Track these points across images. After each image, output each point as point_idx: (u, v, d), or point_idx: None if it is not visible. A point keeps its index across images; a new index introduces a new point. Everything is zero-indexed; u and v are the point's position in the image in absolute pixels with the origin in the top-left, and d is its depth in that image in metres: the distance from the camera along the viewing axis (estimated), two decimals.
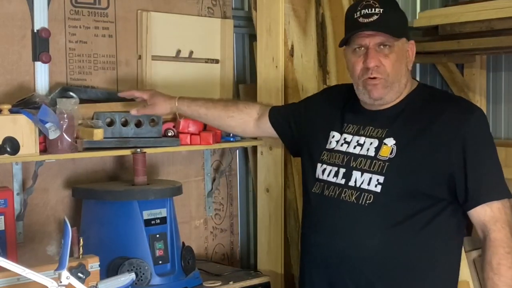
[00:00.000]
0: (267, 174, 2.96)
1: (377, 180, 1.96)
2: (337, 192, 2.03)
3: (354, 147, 2.04)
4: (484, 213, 1.90)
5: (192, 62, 2.94)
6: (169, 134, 2.66)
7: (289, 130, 2.37)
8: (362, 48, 2.00)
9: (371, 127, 2.05)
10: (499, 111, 3.81)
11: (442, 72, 3.81)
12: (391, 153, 1.97)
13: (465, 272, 2.82)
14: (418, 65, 3.87)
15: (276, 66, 2.90)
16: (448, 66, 3.70)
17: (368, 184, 1.96)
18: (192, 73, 2.95)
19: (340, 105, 2.19)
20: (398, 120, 2.02)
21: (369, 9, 1.98)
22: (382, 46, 1.97)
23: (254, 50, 3.04)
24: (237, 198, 3.18)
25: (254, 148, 3.05)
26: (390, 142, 1.98)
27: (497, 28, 3.08)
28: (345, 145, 2.07)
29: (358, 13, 1.99)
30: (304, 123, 2.30)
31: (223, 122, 2.52)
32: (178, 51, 2.88)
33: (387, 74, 1.98)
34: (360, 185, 1.98)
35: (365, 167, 1.99)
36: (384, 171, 1.95)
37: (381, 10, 1.97)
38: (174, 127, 2.68)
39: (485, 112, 3.79)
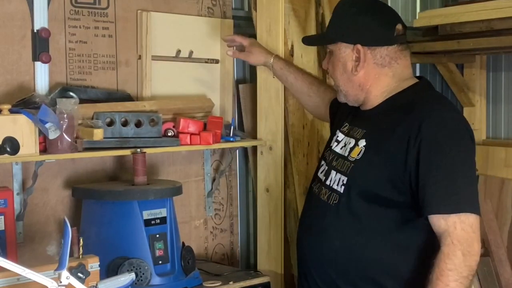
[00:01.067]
0: (267, 174, 2.96)
1: (343, 180, 1.97)
2: (317, 190, 2.08)
3: (341, 147, 2.07)
4: (439, 225, 1.81)
5: (192, 62, 2.94)
6: (169, 134, 2.66)
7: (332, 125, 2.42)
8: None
9: (355, 127, 2.06)
10: (499, 111, 3.81)
11: (442, 72, 3.81)
12: (358, 155, 1.96)
13: None
14: (418, 65, 3.87)
15: None
16: (448, 66, 3.70)
17: (337, 184, 1.99)
18: (192, 73, 2.95)
19: (352, 107, 2.18)
20: (374, 122, 2.01)
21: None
22: (329, 50, 2.10)
23: None
24: (237, 198, 3.18)
25: (254, 148, 3.05)
26: (362, 143, 1.98)
27: (497, 28, 3.08)
28: (335, 144, 2.11)
29: None
30: (333, 120, 2.37)
31: (302, 97, 2.64)
32: (178, 51, 2.88)
33: (333, 78, 2.11)
34: (331, 185, 2.01)
35: (338, 167, 2.02)
36: (348, 172, 1.97)
37: (331, 19, 2.12)
38: (174, 127, 2.68)
39: (485, 112, 3.87)
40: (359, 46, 2.00)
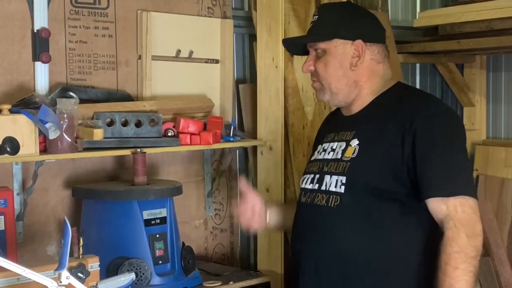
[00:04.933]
0: (267, 174, 2.96)
1: (341, 181, 1.96)
2: (311, 198, 2.05)
3: (328, 153, 2.07)
4: (440, 211, 1.84)
5: (192, 62, 2.94)
6: (169, 134, 2.66)
7: None
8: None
9: (343, 132, 2.07)
10: (499, 111, 3.81)
11: (442, 72, 3.81)
12: (353, 153, 1.97)
13: None
14: (418, 65, 3.87)
15: (276, 66, 2.90)
16: (448, 66, 3.70)
17: (335, 186, 1.97)
18: (192, 73, 2.95)
19: (332, 121, 2.24)
20: (363, 122, 2.03)
21: (313, 18, 2.10)
22: (319, 50, 2.05)
23: (254, 50, 3.05)
24: (237, 198, 3.17)
25: (254, 148, 3.05)
26: (354, 143, 1.99)
27: (497, 28, 3.08)
28: (323, 153, 2.09)
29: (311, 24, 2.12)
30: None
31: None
32: (178, 51, 2.88)
33: (320, 77, 2.05)
34: (328, 188, 1.99)
35: (332, 170, 2.01)
36: (345, 171, 1.96)
37: (316, 17, 2.08)
38: (174, 127, 2.68)
39: (485, 112, 3.87)
40: (359, 41, 2.03)
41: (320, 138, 2.20)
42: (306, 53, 2.11)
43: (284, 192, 2.95)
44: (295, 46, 2.21)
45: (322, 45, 2.04)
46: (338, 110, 2.19)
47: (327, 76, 2.04)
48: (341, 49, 2.03)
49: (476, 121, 3.77)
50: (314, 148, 2.21)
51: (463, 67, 3.83)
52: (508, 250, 3.44)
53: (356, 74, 2.04)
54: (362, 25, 2.06)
